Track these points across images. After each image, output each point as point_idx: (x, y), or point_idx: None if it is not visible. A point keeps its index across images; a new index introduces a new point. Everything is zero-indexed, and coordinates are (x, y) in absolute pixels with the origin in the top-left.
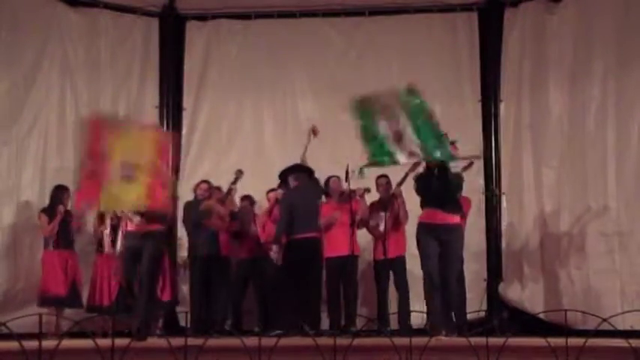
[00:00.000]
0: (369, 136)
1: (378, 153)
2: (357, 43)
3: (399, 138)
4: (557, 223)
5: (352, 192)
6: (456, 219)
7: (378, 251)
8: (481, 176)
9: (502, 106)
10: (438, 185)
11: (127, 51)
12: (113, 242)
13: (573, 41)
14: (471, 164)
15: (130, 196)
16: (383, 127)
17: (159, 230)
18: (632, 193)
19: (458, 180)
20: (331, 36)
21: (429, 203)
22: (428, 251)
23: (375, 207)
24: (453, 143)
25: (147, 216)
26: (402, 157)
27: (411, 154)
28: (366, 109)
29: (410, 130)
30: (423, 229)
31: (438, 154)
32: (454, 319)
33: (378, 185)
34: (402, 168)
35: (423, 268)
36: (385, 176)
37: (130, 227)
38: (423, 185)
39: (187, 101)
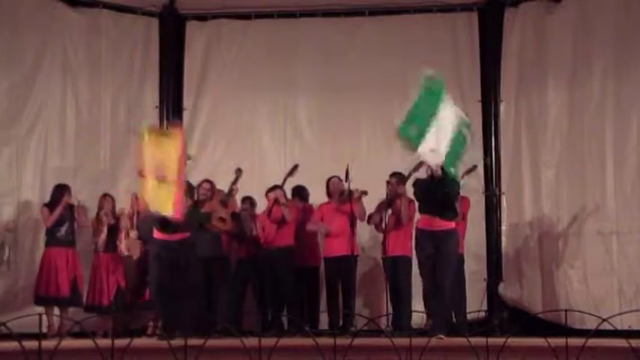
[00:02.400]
0: (414, 115)
1: (407, 132)
2: (357, 43)
3: (442, 130)
4: (556, 222)
5: (351, 192)
6: (452, 224)
7: (382, 249)
8: (481, 176)
9: (502, 106)
10: (437, 192)
11: (127, 51)
12: (111, 242)
13: (573, 41)
14: (474, 167)
15: (160, 200)
16: (441, 110)
17: (189, 238)
18: (630, 193)
19: (456, 187)
20: (331, 36)
21: (428, 210)
22: (424, 257)
23: (382, 204)
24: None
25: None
26: (423, 148)
27: (432, 150)
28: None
29: (451, 130)
30: (421, 234)
31: (451, 169)
32: (454, 319)
33: (389, 183)
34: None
35: (420, 273)
36: (397, 174)
37: (160, 236)
38: (422, 191)
39: (187, 101)
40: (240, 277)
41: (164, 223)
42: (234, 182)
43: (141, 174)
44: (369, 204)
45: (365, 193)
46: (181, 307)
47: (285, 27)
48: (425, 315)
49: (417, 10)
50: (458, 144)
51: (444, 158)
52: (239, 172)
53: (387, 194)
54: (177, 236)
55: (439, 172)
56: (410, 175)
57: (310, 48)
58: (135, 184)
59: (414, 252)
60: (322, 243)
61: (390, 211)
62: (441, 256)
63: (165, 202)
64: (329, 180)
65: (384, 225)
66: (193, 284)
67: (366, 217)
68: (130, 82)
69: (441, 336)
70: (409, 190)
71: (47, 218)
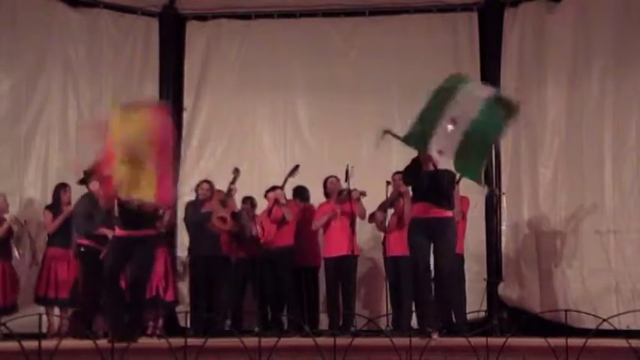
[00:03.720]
0: (425, 116)
1: (414, 137)
2: (357, 43)
3: (452, 123)
4: (554, 222)
5: (350, 192)
6: (447, 213)
7: (383, 248)
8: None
9: None
10: (430, 180)
11: (127, 51)
12: None
13: (572, 41)
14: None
15: (140, 185)
16: (447, 111)
17: (151, 235)
18: (628, 192)
19: (450, 175)
20: (331, 36)
21: (421, 197)
22: (417, 246)
23: (384, 203)
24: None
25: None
26: (430, 149)
27: (440, 152)
28: (451, 87)
29: (464, 129)
30: (414, 223)
31: (464, 171)
32: (453, 318)
33: (393, 180)
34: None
35: (412, 262)
36: (401, 173)
37: (120, 232)
38: (414, 179)
39: (187, 101)
40: (240, 277)
41: (127, 219)
42: (233, 182)
43: (103, 156)
44: (369, 204)
45: (364, 194)
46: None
47: (285, 27)
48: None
49: (416, 10)
50: (479, 148)
51: (455, 160)
52: (237, 172)
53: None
54: (140, 232)
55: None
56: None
57: (310, 48)
58: None
59: None
60: (322, 243)
61: (392, 211)
62: (438, 247)
63: (143, 188)
64: (326, 180)
65: (386, 224)
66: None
67: (368, 216)
68: (130, 82)
69: (435, 336)
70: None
71: (49, 224)
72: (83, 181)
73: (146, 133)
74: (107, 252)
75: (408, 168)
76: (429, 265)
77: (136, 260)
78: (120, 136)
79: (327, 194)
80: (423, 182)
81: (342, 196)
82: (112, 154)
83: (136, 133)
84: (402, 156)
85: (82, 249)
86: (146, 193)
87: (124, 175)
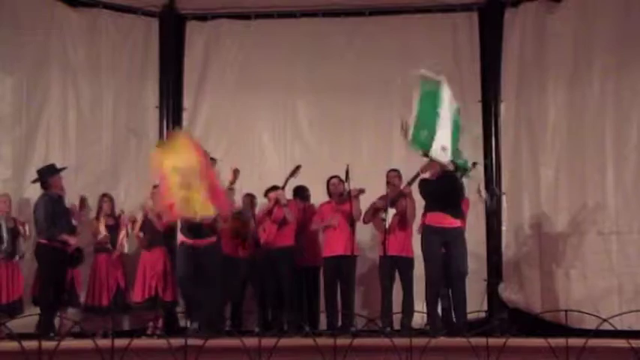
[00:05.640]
0: (422, 120)
1: (418, 140)
2: (357, 43)
3: (445, 125)
4: (556, 222)
5: (350, 192)
6: (459, 222)
7: (381, 247)
8: (481, 177)
9: (502, 106)
10: (445, 190)
11: (127, 51)
12: (112, 243)
13: (573, 41)
14: (474, 164)
15: (198, 204)
16: (440, 113)
17: (213, 242)
18: (630, 193)
19: (462, 186)
20: (331, 36)
21: (435, 207)
22: (432, 253)
23: (382, 201)
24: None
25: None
26: (434, 152)
27: (443, 148)
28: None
29: (450, 124)
30: (429, 231)
31: (460, 161)
32: (454, 319)
33: (388, 178)
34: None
35: (426, 268)
36: (395, 170)
37: (186, 240)
38: (430, 190)
39: (187, 101)
40: (241, 277)
41: (189, 228)
42: (233, 182)
43: (160, 190)
44: (369, 203)
45: (362, 191)
46: (205, 308)
47: (285, 27)
48: (425, 315)
49: (417, 10)
50: (455, 132)
51: (451, 153)
52: (237, 172)
53: (387, 193)
54: (204, 241)
55: (450, 166)
56: (418, 175)
57: (310, 48)
58: (134, 184)
59: (415, 252)
60: (322, 243)
61: (393, 211)
62: (451, 253)
63: (202, 206)
64: (329, 180)
65: (386, 225)
66: (215, 288)
67: (363, 216)
68: (130, 82)
69: (443, 335)
70: (414, 190)
71: None
72: (37, 181)
73: (189, 158)
74: (177, 262)
75: (425, 180)
76: (441, 272)
77: (205, 274)
78: (170, 166)
79: (330, 194)
80: (438, 191)
81: (342, 197)
82: (167, 184)
83: (182, 160)
84: (401, 156)
85: (41, 247)
86: (206, 209)
87: (183, 198)
